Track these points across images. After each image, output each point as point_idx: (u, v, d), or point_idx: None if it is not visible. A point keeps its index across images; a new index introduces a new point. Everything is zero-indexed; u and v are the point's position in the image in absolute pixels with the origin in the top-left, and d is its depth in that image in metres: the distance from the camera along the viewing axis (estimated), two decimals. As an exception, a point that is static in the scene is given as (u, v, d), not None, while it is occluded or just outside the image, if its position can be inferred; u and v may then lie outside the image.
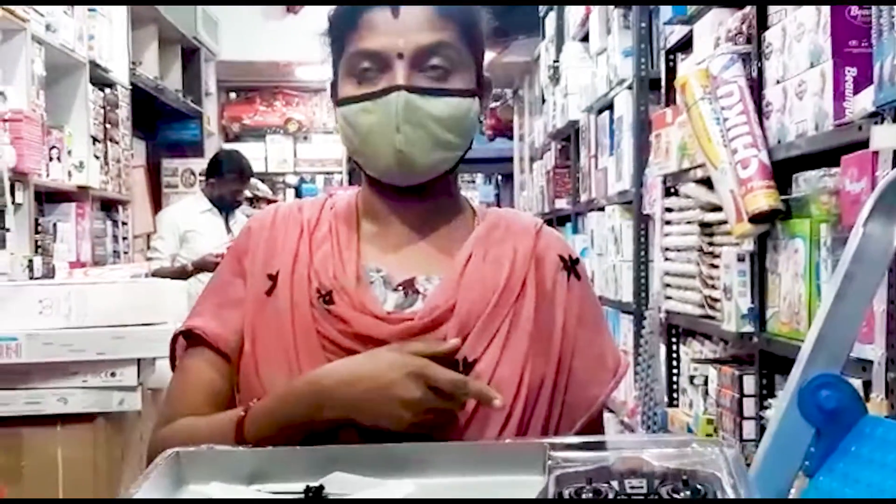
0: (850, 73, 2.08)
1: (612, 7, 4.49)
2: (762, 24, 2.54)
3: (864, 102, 1.94)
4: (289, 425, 1.18)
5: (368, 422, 1.16)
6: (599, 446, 0.99)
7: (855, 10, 2.10)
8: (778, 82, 2.40)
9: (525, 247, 1.32)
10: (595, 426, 1.34)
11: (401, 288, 1.28)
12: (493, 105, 9.43)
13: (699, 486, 0.90)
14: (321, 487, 1.00)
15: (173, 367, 1.35)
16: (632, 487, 0.89)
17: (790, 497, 1.46)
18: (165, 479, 1.01)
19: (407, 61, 1.23)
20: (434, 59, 1.24)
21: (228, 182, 5.25)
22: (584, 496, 0.87)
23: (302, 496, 0.99)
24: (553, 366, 1.28)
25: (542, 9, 6.64)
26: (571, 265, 1.35)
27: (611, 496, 0.87)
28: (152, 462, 1.05)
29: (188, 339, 1.33)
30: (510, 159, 9.74)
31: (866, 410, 1.44)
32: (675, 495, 0.88)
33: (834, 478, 1.39)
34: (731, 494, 0.87)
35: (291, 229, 1.32)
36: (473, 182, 14.55)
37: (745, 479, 0.88)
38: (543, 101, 6.63)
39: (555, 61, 5.95)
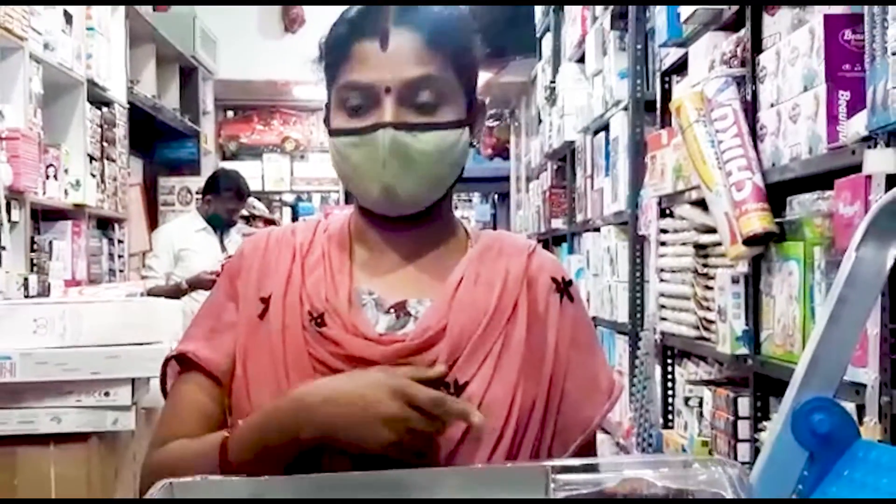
0: (844, 96, 2.09)
1: (608, 28, 4.51)
2: (756, 47, 2.56)
3: (857, 126, 1.95)
4: (271, 445, 1.17)
5: (349, 440, 1.15)
6: (601, 468, 0.99)
7: (849, 34, 2.11)
8: (772, 105, 2.41)
9: (517, 268, 1.32)
10: (589, 448, 1.33)
11: (392, 310, 1.29)
12: (492, 125, 9.46)
13: None
14: (316, 518, 0.99)
15: (164, 391, 1.35)
16: None
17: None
18: None
19: (394, 95, 1.24)
20: (422, 93, 1.25)
21: (225, 200, 5.26)
22: None
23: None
24: (545, 388, 1.28)
25: (539, 29, 6.67)
26: (564, 287, 1.35)
27: None
28: (146, 486, 1.04)
29: (181, 363, 1.33)
30: (507, 178, 9.76)
31: (859, 434, 1.44)
32: None
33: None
34: None
35: (284, 253, 1.33)
36: (470, 201, 14.57)
37: (749, 497, 0.88)
38: (540, 121, 6.65)
39: (551, 82, 5.97)
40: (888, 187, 1.80)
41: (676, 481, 0.97)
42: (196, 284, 4.79)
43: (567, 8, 5.72)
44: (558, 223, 5.94)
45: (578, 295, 1.38)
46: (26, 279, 3.73)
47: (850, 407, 1.86)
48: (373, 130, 1.24)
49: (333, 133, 1.28)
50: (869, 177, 1.87)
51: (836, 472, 1.41)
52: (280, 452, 1.17)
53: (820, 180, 2.20)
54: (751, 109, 2.54)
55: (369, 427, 1.14)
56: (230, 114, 9.72)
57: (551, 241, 6.21)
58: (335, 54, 1.30)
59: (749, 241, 2.44)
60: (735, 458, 2.63)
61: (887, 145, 1.83)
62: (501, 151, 9.87)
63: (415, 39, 1.26)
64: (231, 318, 1.31)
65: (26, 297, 3.64)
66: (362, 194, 1.29)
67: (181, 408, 1.30)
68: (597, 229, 4.79)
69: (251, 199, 8.43)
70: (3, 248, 3.55)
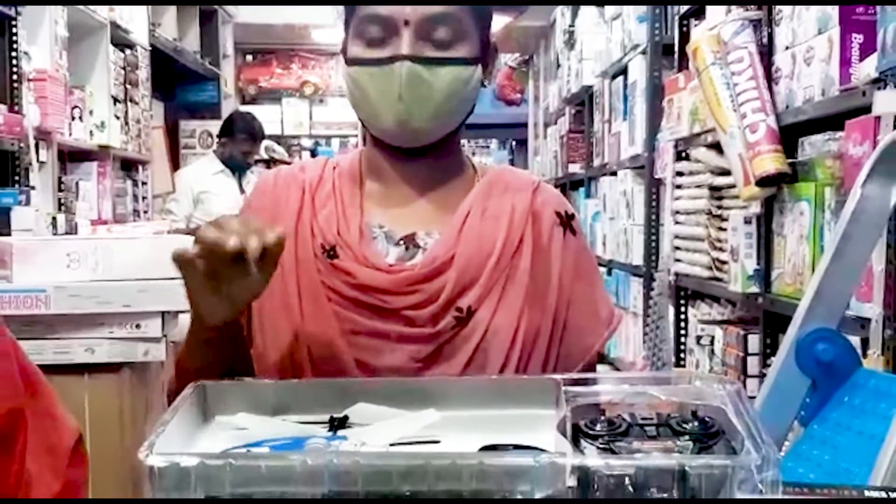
0: (857, 39, 2.13)
1: (627, -27, 4.52)
2: (773, -10, 2.59)
3: (868, 68, 2.00)
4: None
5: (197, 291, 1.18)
6: (608, 382, 1.06)
7: (863, -23, 2.15)
8: (787, 48, 2.45)
9: (523, 203, 1.38)
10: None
11: (402, 242, 1.35)
12: (513, 66, 9.41)
13: (707, 418, 0.96)
14: (346, 418, 1.07)
15: None
16: (643, 418, 0.95)
17: (785, 444, 1.54)
18: (193, 412, 1.08)
19: (412, 28, 1.29)
20: (439, 28, 1.30)
21: (240, 143, 5.32)
22: (598, 426, 0.94)
23: (327, 425, 1.07)
24: (549, 317, 1.34)
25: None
26: (567, 221, 1.41)
27: (624, 426, 0.93)
28: (169, 388, 1.13)
29: None
30: (524, 125, 9.76)
31: (861, 363, 1.51)
32: (684, 426, 0.94)
33: (827, 427, 1.47)
34: (737, 425, 0.92)
35: (293, 189, 1.39)
36: (488, 147, 14.56)
37: (750, 411, 0.95)
38: (558, 65, 6.66)
39: (570, 26, 5.98)
40: (896, 128, 1.85)
41: (679, 396, 1.02)
42: None
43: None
44: (576, 168, 5.98)
45: (580, 228, 1.44)
46: (54, 218, 3.81)
47: (854, 340, 1.93)
48: (390, 62, 1.29)
49: (351, 62, 1.33)
50: (878, 118, 1.92)
51: (838, 399, 1.48)
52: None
53: (833, 122, 2.25)
54: (766, 52, 2.58)
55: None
56: (249, 58, 9.73)
57: (569, 185, 6.25)
58: None
59: (762, 182, 2.49)
60: (744, 393, 2.71)
61: (896, 87, 1.88)
62: (519, 99, 9.85)
63: None
64: None
65: (55, 235, 3.73)
66: (376, 124, 1.34)
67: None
68: (613, 173, 4.83)
69: (270, 143, 8.48)
70: (33, 188, 3.63)
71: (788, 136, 2.49)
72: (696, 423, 0.94)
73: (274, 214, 1.37)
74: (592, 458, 0.88)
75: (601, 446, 0.91)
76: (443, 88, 1.30)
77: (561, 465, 0.85)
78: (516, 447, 0.97)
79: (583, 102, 5.76)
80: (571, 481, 0.85)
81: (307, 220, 1.36)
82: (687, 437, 0.92)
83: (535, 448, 0.94)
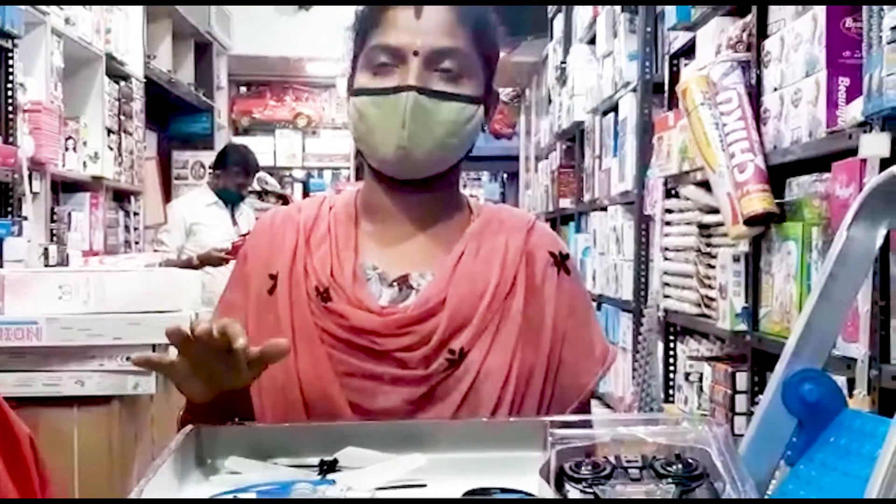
0: (843, 82, 2.17)
1: (619, 11, 4.58)
2: (762, 32, 2.63)
3: (854, 111, 2.03)
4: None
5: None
6: (596, 425, 1.07)
7: (849, 21, 2.19)
8: (775, 90, 2.49)
9: (516, 243, 1.39)
10: (583, 412, 1.40)
11: (395, 284, 1.36)
12: (506, 100, 9.48)
13: (690, 461, 0.97)
14: (335, 461, 1.08)
15: None
16: (627, 461, 0.96)
17: (771, 484, 1.55)
18: (186, 455, 1.09)
19: (421, 60, 1.31)
20: (446, 62, 1.32)
21: (233, 175, 5.33)
22: (582, 469, 0.94)
23: (317, 468, 1.08)
24: (543, 357, 1.35)
25: (550, 10, 6.72)
26: (561, 261, 1.42)
27: (608, 469, 0.94)
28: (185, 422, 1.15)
29: None
30: (516, 158, 9.82)
31: (846, 404, 1.52)
32: (668, 468, 0.95)
33: (813, 467, 1.48)
34: (720, 469, 0.94)
35: (289, 230, 1.40)
36: (479, 180, 14.62)
37: (734, 455, 0.96)
38: (550, 101, 6.71)
39: (562, 62, 6.03)
40: (882, 171, 1.88)
41: (665, 438, 1.03)
42: (206, 261, 4.86)
43: (579, -11, 5.77)
44: (566, 202, 6.01)
45: (575, 268, 1.45)
46: (46, 249, 3.82)
47: (841, 380, 1.94)
48: (396, 91, 1.31)
49: (356, 93, 1.35)
50: (864, 160, 1.95)
51: (824, 439, 1.49)
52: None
53: (819, 163, 2.28)
54: (755, 93, 2.61)
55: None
56: (243, 89, 9.79)
57: (559, 220, 6.28)
58: (369, 20, 1.37)
59: (750, 221, 2.52)
60: (732, 431, 2.71)
61: (882, 130, 1.90)
62: (510, 133, 9.91)
63: (447, 14, 1.34)
64: (238, 300, 1.40)
65: (46, 266, 3.74)
66: (376, 154, 1.35)
67: None
68: (604, 209, 4.86)
69: (263, 175, 8.49)
70: (25, 219, 3.64)
71: (776, 176, 2.52)
72: (679, 466, 0.95)
73: (270, 255, 1.39)
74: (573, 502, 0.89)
75: (585, 490, 0.91)
76: (446, 122, 1.32)
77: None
78: (503, 490, 0.98)
79: (574, 138, 5.80)
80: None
81: (301, 261, 1.37)
82: (670, 479, 0.93)
83: (519, 492, 0.95)
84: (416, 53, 1.31)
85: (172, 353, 1.18)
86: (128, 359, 2.52)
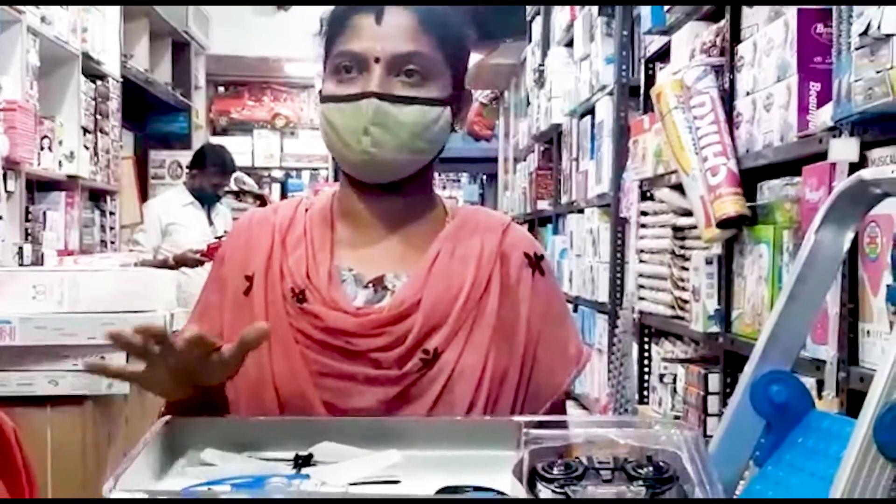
0: (814, 87, 2.19)
1: (596, 14, 4.60)
2: (735, 37, 2.65)
3: (824, 116, 2.05)
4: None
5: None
6: (569, 425, 1.09)
7: (820, 27, 2.21)
8: (748, 94, 2.51)
9: (491, 244, 1.40)
10: (557, 413, 1.41)
11: (371, 285, 1.37)
12: (485, 102, 9.51)
13: (661, 463, 0.98)
14: (310, 455, 1.09)
15: None
16: (599, 462, 0.98)
17: (741, 483, 1.57)
18: (161, 447, 1.10)
19: (383, 65, 1.33)
20: (408, 67, 1.34)
21: (210, 175, 5.32)
22: (555, 469, 0.96)
23: (292, 462, 1.08)
24: (517, 357, 1.36)
25: (529, 12, 6.75)
26: (536, 261, 1.43)
27: (580, 470, 0.96)
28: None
29: None
30: (495, 159, 9.83)
31: (814, 405, 1.54)
32: (639, 470, 0.97)
33: (781, 467, 1.49)
34: (690, 471, 0.95)
35: (265, 231, 1.41)
36: (458, 181, 14.64)
37: (704, 458, 0.97)
38: (528, 103, 6.73)
39: (540, 65, 6.05)
40: (851, 175, 1.90)
41: (637, 439, 1.04)
42: (182, 261, 4.85)
43: (557, -7, 5.79)
44: (544, 204, 6.03)
45: (550, 269, 1.47)
46: (21, 248, 3.81)
47: (810, 382, 1.97)
48: (358, 99, 1.33)
49: (323, 100, 1.37)
50: (833, 164, 1.98)
51: (791, 440, 1.51)
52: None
53: (790, 167, 2.30)
54: (728, 97, 2.64)
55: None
56: (221, 89, 9.76)
57: (537, 221, 6.30)
58: (334, 26, 1.39)
59: (722, 224, 2.54)
60: (704, 432, 2.74)
61: (851, 135, 1.93)
62: (486, 137, 9.93)
63: (409, 18, 1.35)
64: (215, 300, 1.41)
65: (21, 265, 3.73)
66: (344, 159, 1.38)
67: None
68: (581, 211, 4.88)
69: (241, 175, 8.46)
70: (0, 218, 3.63)
71: (748, 179, 2.54)
72: (650, 469, 0.97)
73: (246, 256, 1.40)
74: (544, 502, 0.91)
75: (556, 490, 0.93)
76: (409, 125, 1.33)
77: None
78: (475, 489, 0.99)
79: (551, 140, 5.83)
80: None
81: (277, 262, 1.38)
82: (641, 482, 0.94)
83: (492, 490, 0.96)
84: (377, 60, 1.33)
85: (118, 358, 1.19)
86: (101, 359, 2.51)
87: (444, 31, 1.38)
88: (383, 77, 1.33)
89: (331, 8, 1.42)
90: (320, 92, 1.40)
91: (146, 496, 0.91)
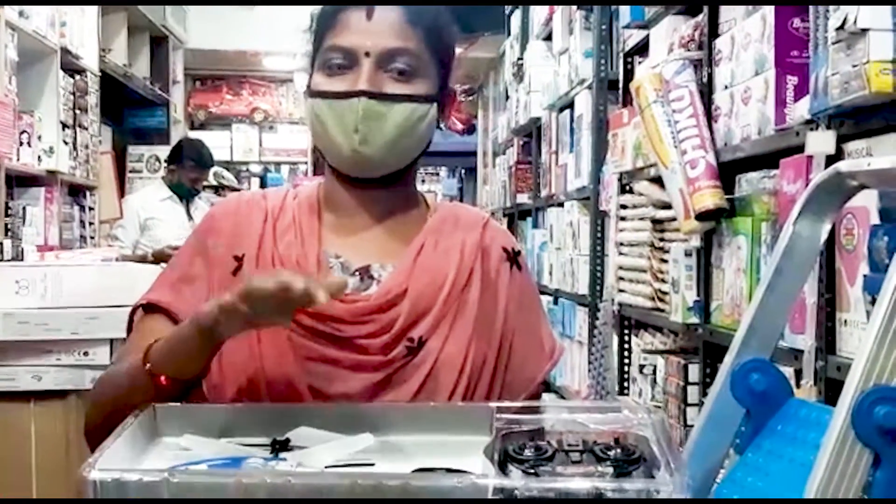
0: (791, 81, 2.22)
1: (574, 8, 4.62)
2: (713, 32, 2.68)
3: (801, 110, 2.08)
4: (180, 345, 1.25)
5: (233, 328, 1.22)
6: (540, 411, 1.11)
7: (797, 21, 2.24)
8: (726, 88, 2.54)
9: (473, 239, 1.45)
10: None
11: (357, 273, 1.40)
12: (462, 99, 9.53)
13: (629, 446, 1.01)
14: (287, 440, 1.11)
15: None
16: (569, 444, 1.01)
17: (721, 471, 1.60)
18: (141, 433, 1.12)
19: (372, 60, 1.35)
20: (397, 62, 1.36)
21: (188, 169, 5.32)
22: (526, 451, 0.99)
23: (269, 447, 1.10)
24: (495, 348, 1.40)
25: (507, 6, 6.76)
26: (514, 256, 1.48)
27: (550, 452, 0.99)
28: (90, 404, 1.22)
29: (147, 311, 1.41)
30: (474, 153, 9.86)
31: (792, 393, 1.57)
32: (607, 452, 1.00)
33: (760, 454, 1.52)
34: (657, 453, 0.98)
35: (256, 215, 1.43)
36: (437, 175, 14.66)
37: (669, 440, 1.00)
38: (507, 97, 6.75)
39: (519, 59, 6.07)
40: (827, 167, 1.93)
41: (606, 424, 1.08)
42: (160, 257, 4.84)
43: (535, -14, 5.81)
44: (524, 198, 6.06)
45: (526, 263, 1.51)
46: (1, 244, 3.79)
47: (788, 371, 2.00)
48: (348, 97, 1.35)
49: (313, 94, 1.39)
50: (810, 157, 2.01)
51: (770, 428, 1.54)
52: (187, 349, 1.25)
53: (768, 160, 2.33)
54: (706, 91, 2.66)
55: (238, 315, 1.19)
56: (199, 83, 9.73)
57: (517, 215, 6.33)
58: (324, 21, 1.41)
59: (701, 217, 2.57)
60: (685, 422, 2.77)
61: (827, 128, 1.96)
62: (469, 126, 9.95)
63: (398, 15, 1.38)
64: (199, 272, 1.41)
65: (1, 261, 3.71)
66: (332, 154, 1.40)
67: (137, 344, 1.35)
68: (560, 204, 4.91)
69: (220, 170, 8.47)
70: (-21, 213, 3.62)
71: (727, 172, 2.57)
72: (618, 451, 1.00)
73: (235, 237, 1.41)
74: (514, 479, 0.93)
75: (527, 470, 0.96)
76: (398, 123, 1.36)
77: (483, 486, 0.90)
78: (448, 471, 1.02)
79: (531, 134, 5.85)
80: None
81: (269, 247, 1.40)
82: (608, 462, 0.98)
83: (464, 472, 0.99)
84: (367, 54, 1.35)
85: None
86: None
87: (434, 28, 1.40)
88: (373, 72, 1.35)
89: (322, 4, 1.44)
90: (308, 86, 1.41)
91: (129, 475, 0.92)
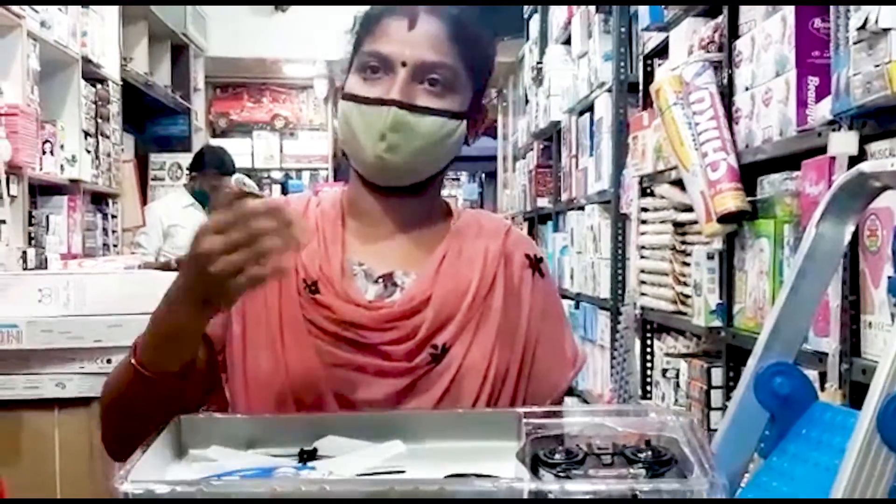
0: (813, 82, 2.21)
1: (593, 11, 4.61)
2: (733, 33, 2.67)
3: (823, 111, 2.07)
4: (162, 329, 1.24)
5: (204, 285, 1.18)
6: (568, 415, 1.11)
7: (818, 22, 2.23)
8: (747, 89, 2.52)
9: (495, 246, 1.45)
10: None
11: (381, 280, 1.40)
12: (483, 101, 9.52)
13: (660, 448, 1.01)
14: (315, 450, 1.11)
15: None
16: (599, 448, 1.00)
17: (746, 475, 1.58)
18: (167, 445, 1.12)
19: (408, 71, 1.35)
20: (433, 75, 1.36)
21: (210, 177, 5.34)
22: (556, 455, 0.98)
23: (296, 457, 1.10)
24: (518, 354, 1.40)
25: (526, 10, 6.76)
26: (536, 263, 1.47)
27: (580, 455, 0.98)
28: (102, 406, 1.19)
29: None
30: (494, 158, 9.85)
31: (817, 397, 1.56)
32: (638, 455, 0.99)
33: (785, 459, 1.51)
34: (688, 453, 0.98)
35: None
36: (458, 180, 14.65)
37: (703, 441, 1.00)
38: (527, 101, 6.74)
39: (538, 63, 6.07)
40: (850, 168, 1.91)
41: (634, 427, 1.08)
42: None
43: (554, -10, 5.80)
44: (544, 202, 6.05)
45: (549, 271, 1.51)
46: (25, 252, 3.82)
47: (812, 374, 1.98)
48: (379, 104, 1.35)
49: (345, 97, 1.39)
50: (833, 158, 1.99)
51: (795, 432, 1.53)
52: (170, 332, 1.23)
53: (790, 161, 2.32)
54: (727, 93, 2.65)
55: (202, 268, 1.16)
56: (220, 91, 9.78)
57: (537, 219, 6.32)
58: (366, 25, 1.41)
59: (723, 219, 2.55)
60: (708, 426, 2.75)
61: (850, 128, 1.94)
62: (489, 130, 9.94)
63: (440, 29, 1.38)
64: None
65: (24, 269, 3.74)
66: (357, 159, 1.40)
67: None
68: (581, 208, 4.90)
69: (241, 177, 8.49)
70: (3, 222, 3.64)
71: (748, 174, 2.56)
72: (649, 453, 1.00)
73: None
74: (549, 483, 0.93)
75: (559, 474, 0.95)
76: (426, 136, 1.36)
77: (519, 490, 0.90)
78: (478, 477, 1.02)
79: (551, 137, 5.83)
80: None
81: (291, 254, 1.40)
82: (640, 465, 0.97)
83: (495, 477, 0.98)
84: (403, 64, 1.35)
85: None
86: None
87: (473, 46, 1.40)
88: (407, 82, 1.35)
89: (366, 7, 1.44)
90: (342, 87, 1.41)
91: (162, 487, 0.92)
